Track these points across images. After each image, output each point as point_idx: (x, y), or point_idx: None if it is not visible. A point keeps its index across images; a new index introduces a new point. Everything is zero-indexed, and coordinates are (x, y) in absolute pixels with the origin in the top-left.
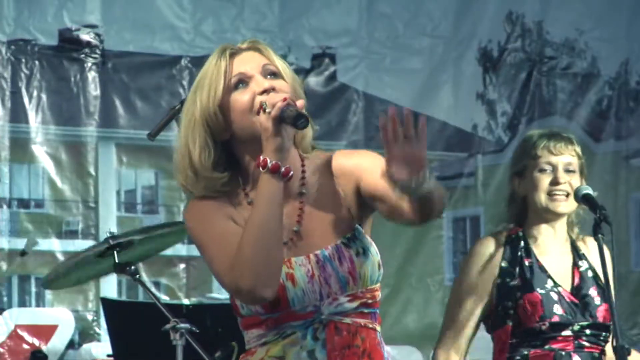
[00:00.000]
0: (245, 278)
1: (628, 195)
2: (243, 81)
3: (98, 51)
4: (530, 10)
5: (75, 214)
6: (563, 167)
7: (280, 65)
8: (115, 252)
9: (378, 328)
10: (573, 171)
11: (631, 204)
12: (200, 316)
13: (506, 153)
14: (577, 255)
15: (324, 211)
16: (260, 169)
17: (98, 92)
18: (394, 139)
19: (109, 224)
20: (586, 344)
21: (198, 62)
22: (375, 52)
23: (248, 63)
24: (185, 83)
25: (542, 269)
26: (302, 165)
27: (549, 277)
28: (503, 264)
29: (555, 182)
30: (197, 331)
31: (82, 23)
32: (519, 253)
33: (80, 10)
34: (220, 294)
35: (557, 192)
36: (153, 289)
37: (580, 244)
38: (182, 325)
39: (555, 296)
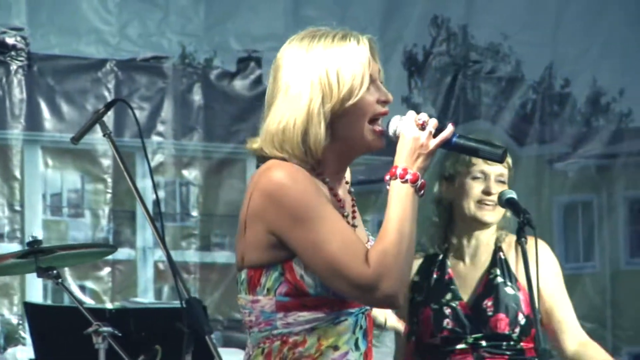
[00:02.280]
0: (390, 282)
1: (551, 199)
2: (370, 82)
3: (24, 54)
4: (455, 15)
5: (1, 217)
6: (495, 178)
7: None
8: (36, 257)
9: None
10: (503, 182)
11: (554, 208)
12: (123, 320)
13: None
14: (494, 262)
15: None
16: (401, 180)
17: (24, 95)
18: None
19: (35, 227)
20: (486, 354)
21: (123, 65)
22: None
23: (374, 63)
24: (110, 86)
25: (447, 282)
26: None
27: (451, 290)
28: (415, 279)
29: (486, 191)
30: (120, 335)
31: (8, 26)
32: (432, 267)
33: (5, 14)
34: (144, 298)
35: (486, 202)
36: (78, 293)
37: (504, 247)
38: (105, 328)
39: (447, 310)
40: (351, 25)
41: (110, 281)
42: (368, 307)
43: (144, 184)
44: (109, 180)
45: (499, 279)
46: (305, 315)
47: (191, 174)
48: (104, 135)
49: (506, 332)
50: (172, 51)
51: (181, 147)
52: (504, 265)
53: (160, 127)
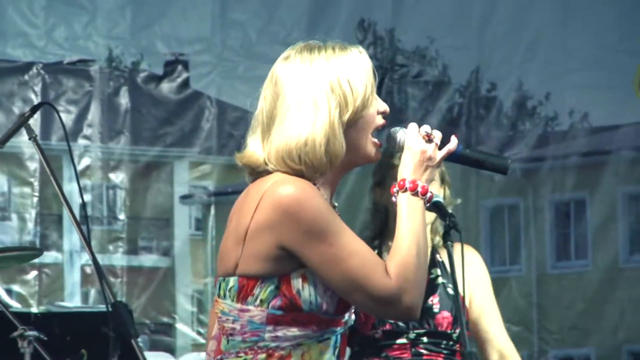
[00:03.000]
0: (411, 296)
1: (478, 202)
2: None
3: None
4: (382, 18)
5: None
6: None
7: None
8: None
9: None
10: (433, 179)
11: (481, 211)
12: (49, 324)
13: None
14: (433, 263)
15: None
16: (411, 192)
17: None
18: None
19: None
20: (424, 351)
21: (50, 68)
22: (228, 59)
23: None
24: (37, 89)
25: None
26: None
27: None
28: None
29: None
30: (46, 339)
31: None
32: None
33: None
34: (71, 302)
35: None
36: (4, 296)
37: (440, 251)
38: (30, 332)
39: None
40: (278, 28)
41: (37, 285)
42: (347, 328)
43: (71, 187)
44: (36, 183)
45: (440, 280)
46: (294, 331)
47: (118, 177)
48: (29, 139)
49: (448, 331)
50: (98, 54)
51: (108, 150)
52: (442, 267)
53: (87, 131)
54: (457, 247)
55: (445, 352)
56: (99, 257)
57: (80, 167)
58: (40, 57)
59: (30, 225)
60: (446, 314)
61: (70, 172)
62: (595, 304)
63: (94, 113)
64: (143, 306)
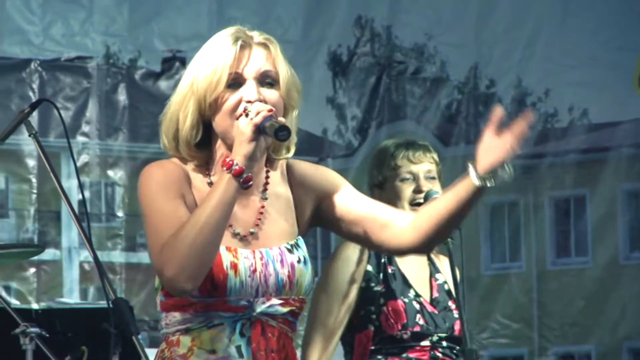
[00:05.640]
0: (171, 266)
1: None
2: (237, 82)
3: None
4: (379, 15)
5: None
6: (424, 175)
7: (283, 71)
8: None
9: (294, 339)
10: (433, 178)
11: (481, 208)
12: (50, 320)
13: (356, 157)
14: (434, 267)
15: (278, 216)
16: (224, 168)
17: None
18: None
19: None
20: (440, 355)
21: (48, 65)
22: None
23: (250, 63)
24: (35, 86)
25: (404, 278)
26: (267, 171)
27: (411, 286)
28: (369, 268)
29: (418, 190)
30: (47, 335)
31: None
32: (383, 260)
33: None
34: (70, 299)
35: (419, 201)
36: (3, 293)
37: (433, 257)
38: (32, 329)
39: (417, 306)
40: (275, 25)
41: (36, 282)
42: (254, 316)
43: (69, 184)
44: (34, 180)
45: (447, 286)
46: (177, 315)
47: (116, 174)
48: (29, 135)
49: (460, 335)
50: (96, 51)
51: (106, 147)
52: (440, 273)
53: (85, 128)
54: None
55: (454, 357)
56: (97, 254)
57: (78, 164)
58: (37, 54)
59: (29, 222)
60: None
61: (68, 169)
62: (595, 301)
63: (92, 110)
64: (142, 303)
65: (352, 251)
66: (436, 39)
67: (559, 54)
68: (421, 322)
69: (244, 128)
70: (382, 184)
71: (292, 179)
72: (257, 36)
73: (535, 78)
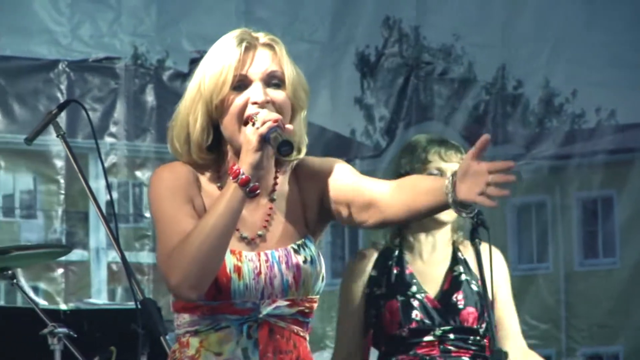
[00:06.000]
0: (175, 273)
1: (505, 200)
2: (243, 84)
3: None
4: (407, 16)
5: None
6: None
7: (289, 72)
8: None
9: (307, 337)
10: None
11: (508, 209)
12: (78, 321)
13: (384, 158)
14: (455, 260)
15: (286, 217)
16: (231, 177)
17: None
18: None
19: None
20: (452, 348)
21: (75, 66)
22: None
23: (256, 65)
24: (63, 87)
25: (409, 276)
26: (276, 172)
27: (415, 283)
28: (372, 273)
29: None
30: (75, 336)
31: None
32: (390, 262)
33: None
34: (98, 299)
35: None
36: (31, 294)
37: (462, 248)
38: (60, 330)
39: (415, 302)
40: (302, 26)
41: (63, 282)
42: (260, 318)
43: (97, 184)
44: (62, 181)
45: (464, 277)
46: (186, 317)
47: (144, 174)
48: (57, 136)
49: (474, 326)
50: (124, 52)
51: (134, 148)
52: (465, 264)
53: (113, 128)
54: (484, 246)
55: (473, 348)
56: (125, 254)
57: (106, 165)
58: (65, 55)
59: (57, 223)
60: (471, 309)
61: (96, 170)
62: (623, 302)
63: (120, 111)
64: (170, 304)
65: (363, 263)
66: (463, 40)
67: (586, 54)
68: (418, 317)
69: (250, 137)
70: (407, 174)
71: (301, 175)
72: (262, 37)
73: (563, 79)
